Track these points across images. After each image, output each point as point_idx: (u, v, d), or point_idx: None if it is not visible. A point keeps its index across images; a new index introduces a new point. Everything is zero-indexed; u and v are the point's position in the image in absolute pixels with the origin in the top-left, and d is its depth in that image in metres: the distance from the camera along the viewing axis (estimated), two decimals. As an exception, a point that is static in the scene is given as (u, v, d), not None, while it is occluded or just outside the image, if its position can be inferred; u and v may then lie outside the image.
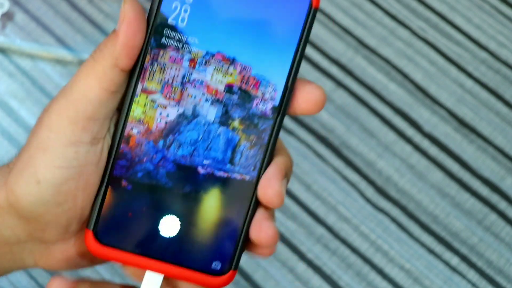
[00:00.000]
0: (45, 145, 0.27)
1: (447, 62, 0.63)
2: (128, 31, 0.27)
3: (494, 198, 0.58)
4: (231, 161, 0.28)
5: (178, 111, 0.28)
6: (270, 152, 0.29)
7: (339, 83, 0.61)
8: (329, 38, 0.63)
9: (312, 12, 0.28)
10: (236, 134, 0.28)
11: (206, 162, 0.28)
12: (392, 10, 0.65)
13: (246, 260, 0.54)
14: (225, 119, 0.28)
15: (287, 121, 0.59)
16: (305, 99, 0.28)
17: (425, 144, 0.60)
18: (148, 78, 0.28)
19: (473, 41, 0.64)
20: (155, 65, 0.28)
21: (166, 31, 0.28)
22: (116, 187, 0.28)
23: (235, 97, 0.28)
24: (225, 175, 0.29)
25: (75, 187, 0.27)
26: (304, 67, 0.62)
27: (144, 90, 0.28)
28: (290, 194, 0.57)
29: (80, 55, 0.60)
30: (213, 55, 0.28)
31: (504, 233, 0.57)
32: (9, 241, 0.29)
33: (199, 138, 0.28)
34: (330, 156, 0.59)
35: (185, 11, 0.28)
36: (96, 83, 0.27)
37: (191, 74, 0.28)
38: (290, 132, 0.59)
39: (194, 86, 0.28)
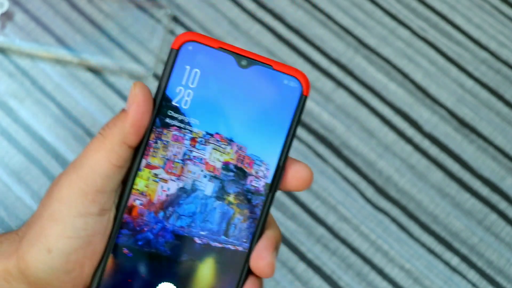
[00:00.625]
0: (57, 216, 0.29)
1: (447, 62, 0.63)
2: (137, 111, 0.29)
3: (494, 198, 0.58)
4: (226, 233, 0.31)
5: (178, 185, 0.31)
6: (261, 225, 0.31)
7: (339, 83, 0.61)
8: (329, 38, 0.63)
9: (303, 100, 0.31)
10: (231, 208, 0.31)
11: (202, 233, 0.31)
12: (392, 9, 0.65)
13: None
14: (221, 194, 0.31)
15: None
16: (294, 178, 0.31)
17: (425, 144, 0.60)
18: (152, 154, 0.30)
19: (474, 41, 0.64)
20: (159, 142, 0.30)
21: (170, 112, 0.30)
22: (118, 254, 0.30)
23: (231, 174, 0.31)
24: (220, 245, 0.31)
25: (83, 255, 0.29)
26: (304, 67, 0.62)
27: (148, 165, 0.30)
28: (290, 194, 0.57)
29: (79, 55, 0.60)
30: (212, 135, 0.31)
31: (504, 233, 0.57)
32: None
33: (197, 211, 0.31)
34: (330, 156, 0.59)
35: (188, 95, 0.31)
36: (105, 158, 0.29)
37: (192, 152, 0.31)
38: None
39: (194, 163, 0.31)
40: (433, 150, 0.59)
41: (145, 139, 0.30)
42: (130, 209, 0.30)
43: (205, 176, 0.31)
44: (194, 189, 0.31)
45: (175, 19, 0.62)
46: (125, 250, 0.30)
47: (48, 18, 0.62)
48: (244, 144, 0.31)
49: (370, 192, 0.57)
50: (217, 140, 0.31)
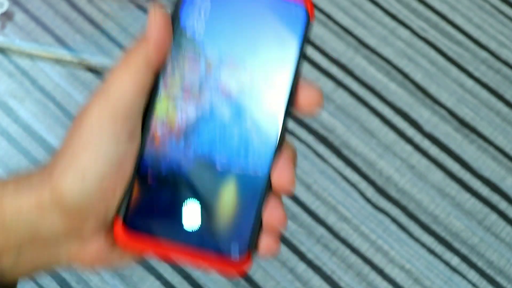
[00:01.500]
0: (88, 143, 0.29)
1: (448, 62, 0.63)
2: (159, 34, 0.30)
3: (495, 198, 0.58)
4: (245, 157, 0.32)
5: (197, 112, 0.31)
6: (279, 145, 0.32)
7: (339, 83, 0.61)
8: (329, 38, 0.63)
9: (309, 24, 0.32)
10: (249, 132, 0.32)
11: (223, 157, 0.32)
12: (392, 10, 0.65)
13: (246, 261, 0.54)
14: (239, 118, 0.32)
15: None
16: (305, 99, 0.32)
17: (426, 144, 0.60)
18: (170, 84, 0.31)
19: (474, 41, 0.64)
20: (176, 71, 0.32)
21: (184, 40, 0.32)
22: (143, 179, 0.31)
23: (247, 97, 0.32)
24: (241, 169, 0.32)
25: (115, 181, 0.30)
26: (304, 67, 0.61)
27: (167, 94, 0.31)
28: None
29: (79, 55, 0.60)
30: (226, 61, 0.32)
31: (504, 233, 0.57)
32: (48, 239, 0.31)
33: (216, 136, 0.32)
34: (330, 156, 0.59)
35: (200, 23, 0.32)
36: (132, 82, 0.30)
37: (208, 78, 0.32)
38: (290, 132, 0.59)
39: (211, 89, 0.32)
40: (433, 150, 0.59)
41: (164, 68, 0.31)
42: (152, 137, 0.31)
43: (222, 101, 0.32)
44: (212, 114, 0.32)
45: (175, 19, 0.62)
46: (149, 178, 0.31)
47: (48, 18, 0.62)
48: (259, 69, 0.32)
49: (370, 192, 0.57)
50: (232, 65, 0.32)
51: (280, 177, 0.31)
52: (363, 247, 0.56)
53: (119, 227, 0.31)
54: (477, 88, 0.62)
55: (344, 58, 0.62)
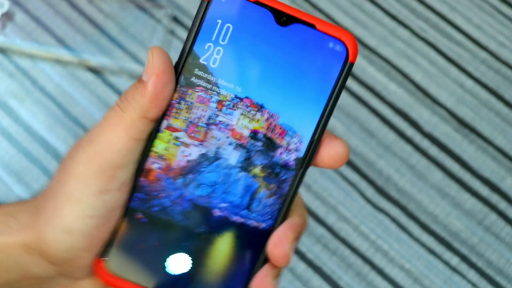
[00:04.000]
0: (74, 196, 0.28)
1: (447, 62, 0.63)
2: (157, 84, 0.27)
3: (494, 198, 0.58)
4: (248, 207, 0.28)
5: (200, 151, 0.28)
6: (288, 204, 0.29)
7: (339, 83, 0.61)
8: (329, 38, 0.63)
9: (348, 66, 0.28)
10: (256, 181, 0.28)
11: (222, 205, 0.28)
12: (392, 10, 0.65)
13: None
14: (246, 165, 0.28)
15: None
16: (329, 154, 0.29)
17: (425, 144, 0.60)
18: (174, 116, 0.28)
19: (473, 41, 0.64)
20: (183, 103, 0.28)
21: (196, 70, 0.28)
22: (131, 218, 0.29)
23: (259, 144, 0.28)
24: (240, 220, 0.29)
25: (104, 231, 0.28)
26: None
27: (169, 127, 0.28)
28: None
29: (80, 55, 0.60)
30: (241, 100, 0.28)
31: (504, 233, 0.57)
32: (39, 277, 0.30)
33: (219, 180, 0.28)
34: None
35: (218, 52, 0.28)
36: (124, 134, 0.28)
37: (217, 116, 0.28)
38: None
39: (219, 129, 0.28)
40: (433, 150, 0.59)
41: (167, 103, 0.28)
42: (147, 172, 0.28)
43: (230, 144, 0.28)
44: (217, 156, 0.28)
45: (175, 19, 0.62)
46: (139, 215, 0.28)
47: (48, 18, 0.62)
48: (277, 112, 0.28)
49: (370, 192, 0.58)
50: (247, 105, 0.28)
51: (276, 247, 0.28)
52: (363, 247, 0.56)
53: (101, 269, 0.29)
54: (477, 88, 0.62)
55: (344, 58, 0.62)
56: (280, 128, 0.28)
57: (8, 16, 0.61)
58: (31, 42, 0.60)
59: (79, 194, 0.28)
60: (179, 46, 0.61)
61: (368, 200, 0.57)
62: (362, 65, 0.62)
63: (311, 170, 0.58)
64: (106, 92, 0.59)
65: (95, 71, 0.60)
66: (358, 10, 0.64)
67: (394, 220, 0.57)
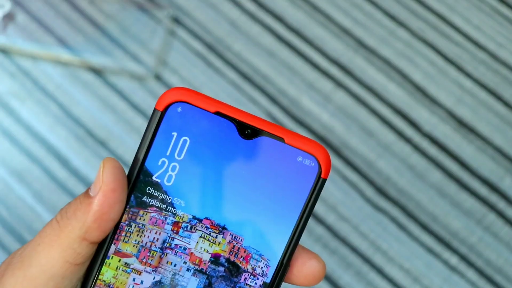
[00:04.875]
0: None
1: (447, 63, 0.63)
2: (104, 202, 0.24)
3: (493, 198, 0.58)
4: None
5: (154, 278, 0.25)
6: None
7: (339, 83, 0.62)
8: (329, 38, 0.63)
9: (320, 183, 0.26)
10: None
11: None
12: (391, 10, 0.65)
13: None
14: None
15: (287, 121, 0.59)
16: (303, 274, 0.26)
17: (425, 144, 0.60)
18: (124, 240, 0.25)
19: (472, 41, 0.64)
20: (133, 225, 0.25)
21: (148, 189, 0.25)
22: None
23: (221, 269, 0.25)
24: None
25: None
26: (305, 67, 0.62)
27: (118, 252, 0.25)
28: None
29: (81, 56, 0.60)
30: (200, 221, 0.25)
31: (503, 232, 0.57)
32: None
33: None
34: (330, 156, 0.59)
35: (173, 169, 0.25)
36: (59, 257, 0.24)
37: (173, 239, 0.25)
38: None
39: (175, 253, 0.25)
40: (433, 150, 0.60)
41: (115, 225, 0.25)
42: None
43: (188, 270, 0.25)
44: (174, 284, 0.25)
45: (176, 20, 0.63)
46: None
47: (49, 19, 0.62)
48: (240, 234, 0.25)
49: (369, 192, 0.58)
50: (207, 227, 0.25)
51: None
52: (363, 246, 0.56)
53: None
54: (476, 89, 0.62)
55: (343, 59, 0.63)
56: (245, 252, 0.25)
57: (9, 16, 0.61)
58: (32, 43, 0.60)
59: None
60: (180, 47, 0.61)
61: (368, 200, 0.57)
62: (361, 66, 0.62)
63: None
64: (107, 93, 0.59)
65: (96, 71, 0.60)
66: (358, 11, 0.65)
67: (393, 219, 0.57)
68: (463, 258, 0.56)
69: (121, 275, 0.25)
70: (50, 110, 0.59)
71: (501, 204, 0.58)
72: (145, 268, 0.25)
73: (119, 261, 0.25)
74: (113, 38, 0.61)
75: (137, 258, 0.25)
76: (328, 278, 0.55)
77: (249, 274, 0.25)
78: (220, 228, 0.25)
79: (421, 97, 0.61)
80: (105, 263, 0.25)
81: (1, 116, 0.58)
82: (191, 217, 0.25)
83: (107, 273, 0.25)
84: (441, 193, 0.58)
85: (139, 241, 0.25)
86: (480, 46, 0.64)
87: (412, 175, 0.59)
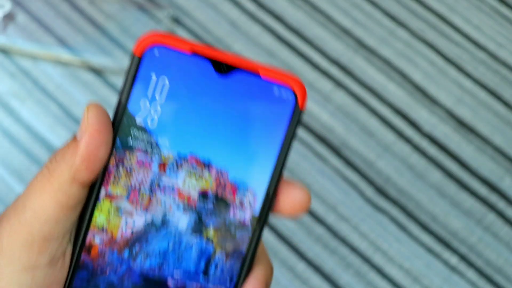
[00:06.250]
0: None
1: (446, 63, 0.63)
2: (90, 143, 0.24)
3: (493, 198, 0.58)
4: (205, 273, 0.26)
5: (146, 219, 0.26)
6: (249, 263, 0.26)
7: (339, 83, 0.62)
8: (329, 38, 0.63)
9: (298, 114, 0.26)
10: (210, 245, 0.26)
11: (176, 274, 0.26)
12: (391, 10, 0.65)
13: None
14: (198, 228, 0.26)
15: (287, 121, 0.59)
16: (289, 204, 0.26)
17: (424, 144, 0.60)
18: (113, 182, 0.26)
19: (472, 41, 0.64)
20: (121, 168, 0.26)
21: (133, 131, 0.25)
22: None
23: (209, 204, 0.26)
24: (198, 287, 0.26)
25: None
26: (304, 67, 0.62)
27: (108, 196, 0.26)
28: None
29: (81, 56, 0.60)
30: (185, 159, 0.26)
31: (503, 232, 0.57)
32: None
33: (169, 249, 0.26)
34: (330, 156, 0.59)
35: (155, 110, 0.25)
36: (52, 200, 0.24)
37: (161, 179, 0.26)
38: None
39: (164, 192, 0.26)
40: (432, 150, 0.60)
41: (104, 168, 0.26)
42: (89, 248, 0.25)
43: (178, 208, 0.26)
44: (165, 223, 0.26)
45: (176, 20, 0.63)
46: None
47: (49, 18, 0.62)
48: (225, 168, 0.26)
49: (369, 191, 0.58)
50: (192, 164, 0.26)
51: None
52: (362, 246, 0.56)
53: None
54: (476, 89, 0.62)
55: (343, 59, 0.63)
56: (231, 185, 0.26)
57: (9, 16, 0.61)
58: (32, 43, 0.60)
59: (4, 270, 0.24)
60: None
61: (368, 200, 0.58)
62: (361, 66, 0.62)
63: (310, 170, 0.58)
64: (107, 93, 0.59)
65: (96, 71, 0.60)
66: (358, 11, 0.65)
67: (393, 219, 0.57)
68: (463, 258, 0.56)
69: (113, 218, 0.26)
70: (50, 110, 0.59)
71: (501, 204, 0.58)
72: (136, 209, 0.26)
73: (110, 204, 0.26)
74: (113, 38, 0.61)
75: (128, 200, 0.26)
76: (328, 278, 0.55)
77: (238, 207, 0.26)
78: (205, 165, 0.26)
79: (421, 97, 0.62)
80: (97, 207, 0.25)
81: (1, 116, 0.58)
82: (177, 156, 0.26)
83: (99, 217, 0.26)
84: (441, 193, 0.58)
85: (128, 183, 0.26)
86: (480, 46, 0.64)
87: (412, 175, 0.59)
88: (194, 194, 0.26)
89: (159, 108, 0.25)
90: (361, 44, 0.63)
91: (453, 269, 0.56)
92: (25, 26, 0.61)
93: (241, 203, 0.26)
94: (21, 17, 0.62)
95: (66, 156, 0.25)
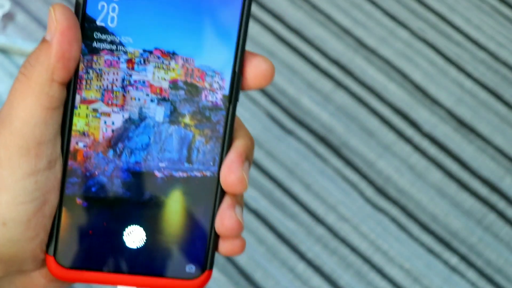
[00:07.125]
0: (1, 184, 0.25)
1: (447, 63, 0.63)
2: (63, 41, 0.25)
3: (493, 198, 0.58)
4: (188, 160, 0.27)
5: (123, 116, 0.27)
6: (228, 142, 0.27)
7: (339, 83, 0.62)
8: (329, 38, 0.63)
9: None
10: (189, 131, 0.27)
11: (162, 164, 0.27)
12: (391, 10, 0.65)
13: (246, 260, 0.55)
14: (175, 117, 0.27)
15: (287, 121, 0.59)
16: (254, 74, 0.27)
17: (425, 144, 0.60)
18: (86, 87, 0.26)
19: (473, 41, 0.64)
20: (91, 72, 0.26)
21: (96, 34, 0.26)
22: (70, 206, 0.27)
23: (181, 92, 0.27)
24: (185, 174, 0.27)
25: (43, 217, 0.26)
26: (304, 67, 0.62)
27: (84, 101, 0.26)
28: (290, 193, 0.57)
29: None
30: (151, 52, 0.26)
31: (503, 232, 0.57)
32: None
33: (151, 141, 0.27)
34: (330, 156, 0.59)
35: (113, 10, 0.26)
36: (36, 104, 0.25)
37: (131, 75, 0.26)
38: (290, 132, 0.59)
39: (136, 88, 0.27)
40: (433, 150, 0.60)
41: (77, 73, 0.26)
42: (74, 154, 0.27)
43: (152, 101, 0.27)
44: (142, 117, 0.27)
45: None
46: (78, 200, 0.27)
47: (49, 18, 0.62)
48: (190, 55, 0.26)
49: (369, 191, 0.58)
50: (158, 56, 0.26)
51: (227, 176, 0.27)
52: (363, 246, 0.56)
53: (53, 266, 0.27)
54: (476, 89, 0.62)
55: (343, 59, 0.63)
56: (199, 71, 0.27)
57: (9, 16, 0.61)
58: (32, 42, 0.60)
59: (6, 181, 0.25)
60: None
61: (368, 200, 0.57)
62: (361, 66, 0.62)
63: (310, 170, 0.58)
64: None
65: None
66: (358, 10, 0.65)
67: (393, 219, 0.57)
68: (463, 258, 0.56)
69: (92, 121, 0.27)
70: (50, 110, 0.59)
71: (501, 204, 0.58)
72: (112, 109, 0.27)
73: (87, 108, 0.26)
74: (113, 38, 0.61)
75: (103, 102, 0.26)
76: (328, 278, 0.55)
77: (208, 90, 0.27)
78: (170, 55, 0.26)
79: (421, 97, 0.61)
80: (75, 114, 0.26)
81: (0, 116, 0.58)
82: (142, 51, 0.26)
83: (79, 122, 0.26)
84: (441, 193, 0.58)
85: (100, 85, 0.26)
86: (480, 46, 0.64)
87: (412, 175, 0.59)
88: (165, 85, 0.27)
89: (116, 6, 0.26)
90: (361, 44, 0.63)
91: (453, 269, 0.56)
92: (24, 26, 0.61)
93: (211, 86, 0.27)
94: (20, 17, 0.61)
95: (40, 58, 0.25)
